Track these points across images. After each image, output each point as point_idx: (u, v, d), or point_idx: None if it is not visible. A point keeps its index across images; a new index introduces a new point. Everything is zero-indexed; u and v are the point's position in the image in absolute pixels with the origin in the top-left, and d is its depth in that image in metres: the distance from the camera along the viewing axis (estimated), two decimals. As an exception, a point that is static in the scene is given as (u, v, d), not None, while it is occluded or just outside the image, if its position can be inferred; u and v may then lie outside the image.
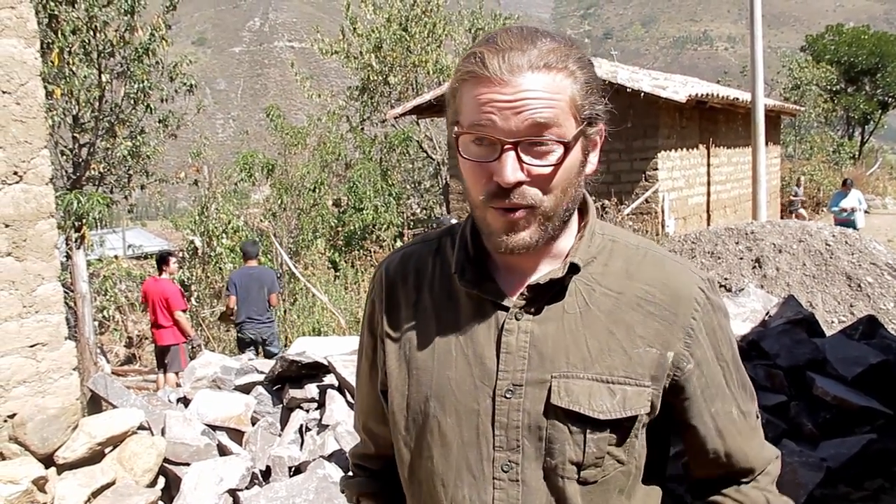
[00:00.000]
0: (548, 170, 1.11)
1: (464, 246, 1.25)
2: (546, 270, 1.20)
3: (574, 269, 1.18)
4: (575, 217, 1.24)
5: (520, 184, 1.11)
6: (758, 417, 1.31)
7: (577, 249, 1.20)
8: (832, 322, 7.57)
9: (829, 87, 29.26)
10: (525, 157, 1.10)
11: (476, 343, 1.20)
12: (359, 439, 1.53)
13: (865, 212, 15.62)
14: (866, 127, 33.45)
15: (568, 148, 1.12)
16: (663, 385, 1.19)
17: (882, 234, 14.35)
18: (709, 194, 14.29)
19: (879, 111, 32.50)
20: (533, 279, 1.20)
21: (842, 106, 30.84)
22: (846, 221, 14.27)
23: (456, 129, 1.16)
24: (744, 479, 1.28)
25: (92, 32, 9.14)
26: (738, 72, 32.23)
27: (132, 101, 9.98)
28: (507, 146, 1.10)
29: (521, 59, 1.10)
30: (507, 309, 1.20)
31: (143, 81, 9.80)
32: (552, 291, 1.19)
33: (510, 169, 1.10)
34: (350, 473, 1.53)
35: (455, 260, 1.25)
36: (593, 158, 1.21)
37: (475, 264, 1.23)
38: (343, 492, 1.52)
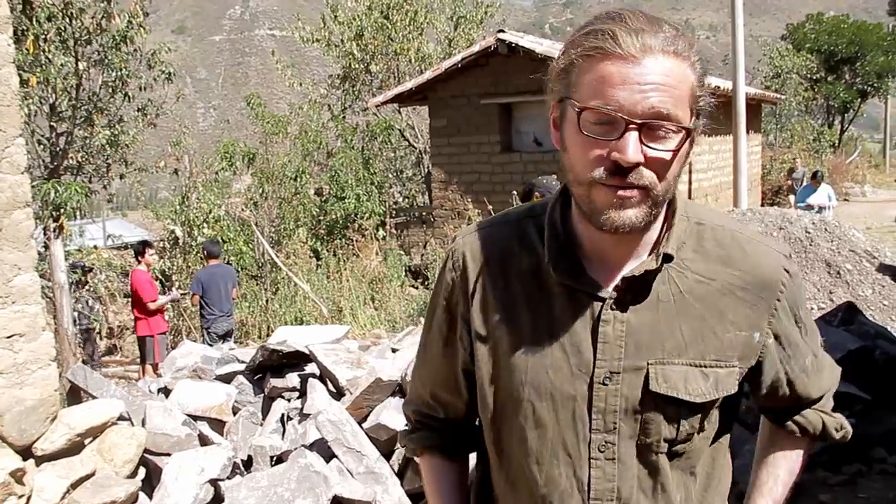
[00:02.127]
0: (667, 155, 1.12)
1: (555, 234, 1.26)
2: (637, 260, 1.23)
3: (667, 258, 1.22)
4: None
5: (637, 165, 1.11)
6: (822, 346, 1.40)
7: (668, 239, 1.22)
8: (812, 308, 7.63)
9: (809, 76, 29.41)
10: (646, 140, 1.11)
11: (572, 333, 1.23)
12: (415, 400, 1.52)
13: (833, 207, 14.37)
14: (846, 115, 33.70)
15: (686, 135, 1.13)
16: (750, 363, 1.27)
17: (861, 222, 14.44)
18: (690, 182, 14.33)
19: (859, 100, 32.74)
20: (626, 271, 1.22)
21: (822, 94, 31.02)
22: None
23: (576, 102, 1.13)
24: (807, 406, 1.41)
25: (68, 19, 9.00)
26: (719, 60, 32.36)
27: (110, 90, 9.85)
28: (631, 126, 1.10)
29: (654, 40, 1.10)
30: (602, 300, 1.22)
31: (121, 69, 9.68)
32: (646, 282, 1.22)
33: (633, 149, 1.10)
34: (409, 428, 1.54)
35: (548, 249, 1.25)
36: (689, 153, 1.23)
37: (567, 254, 1.25)
38: (404, 446, 1.55)
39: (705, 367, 1.21)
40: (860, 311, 5.94)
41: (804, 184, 17.64)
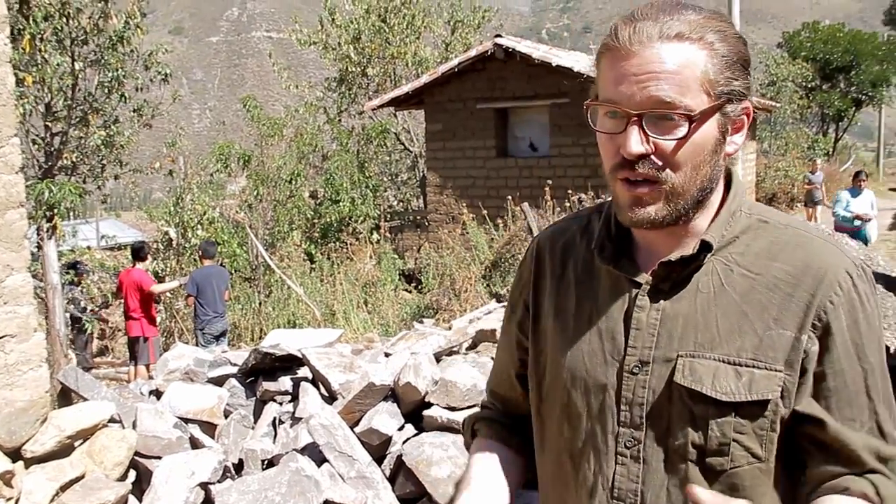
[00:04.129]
0: (671, 143, 1.10)
1: (607, 223, 1.27)
2: (682, 250, 1.19)
3: (706, 247, 1.17)
4: (718, 197, 1.21)
5: (645, 156, 1.11)
6: None
7: (711, 228, 1.18)
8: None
9: (804, 84, 29.49)
10: (650, 131, 1.10)
11: (609, 318, 1.22)
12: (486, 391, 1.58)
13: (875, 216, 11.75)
14: (840, 124, 33.79)
15: (694, 122, 1.10)
16: (798, 371, 1.12)
17: (854, 231, 14.42)
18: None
19: (853, 108, 32.82)
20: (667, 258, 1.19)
21: (817, 103, 31.10)
22: (853, 230, 10.78)
23: (587, 102, 1.17)
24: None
25: (64, 19, 8.97)
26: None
27: (106, 90, 9.83)
28: (632, 118, 1.10)
29: (652, 28, 1.10)
30: (640, 286, 1.20)
31: (117, 70, 9.67)
32: (686, 270, 1.18)
33: (633, 140, 1.10)
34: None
35: (597, 236, 1.27)
36: (737, 139, 1.17)
37: (616, 242, 1.25)
38: (462, 425, 1.56)
39: (740, 364, 1.12)
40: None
41: (818, 184, 15.59)
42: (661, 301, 1.18)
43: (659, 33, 1.09)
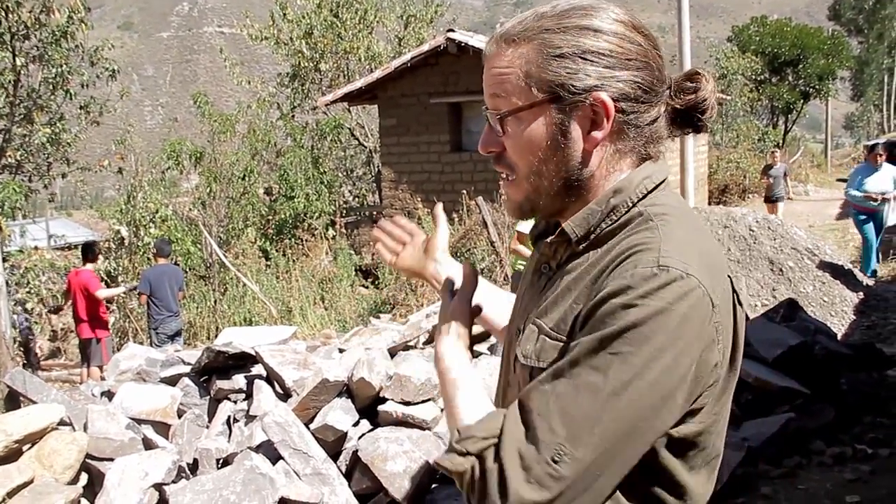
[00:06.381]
0: (503, 140, 1.19)
1: None
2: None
3: (561, 232, 1.19)
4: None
5: (494, 154, 1.22)
6: (548, 462, 0.98)
7: (573, 217, 1.19)
8: (756, 305, 7.78)
9: (754, 77, 29.97)
10: (496, 131, 1.19)
11: (521, 290, 1.34)
12: None
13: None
14: (789, 116, 34.45)
15: (504, 120, 1.16)
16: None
17: (803, 220, 14.73)
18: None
19: (801, 101, 33.48)
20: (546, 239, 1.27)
21: (766, 95, 31.64)
22: (871, 212, 9.69)
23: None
24: None
25: (3, 13, 8.75)
26: (667, 61, 32.74)
27: (50, 87, 9.61)
28: (487, 121, 1.22)
29: (496, 35, 1.19)
30: None
31: (61, 66, 9.45)
32: (565, 252, 1.21)
33: (481, 141, 1.23)
34: None
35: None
36: (597, 134, 1.14)
37: (554, 226, 1.31)
38: None
39: (542, 333, 1.14)
40: (801, 308, 6.07)
41: (779, 177, 14.30)
42: (545, 276, 1.25)
43: (495, 41, 1.18)
